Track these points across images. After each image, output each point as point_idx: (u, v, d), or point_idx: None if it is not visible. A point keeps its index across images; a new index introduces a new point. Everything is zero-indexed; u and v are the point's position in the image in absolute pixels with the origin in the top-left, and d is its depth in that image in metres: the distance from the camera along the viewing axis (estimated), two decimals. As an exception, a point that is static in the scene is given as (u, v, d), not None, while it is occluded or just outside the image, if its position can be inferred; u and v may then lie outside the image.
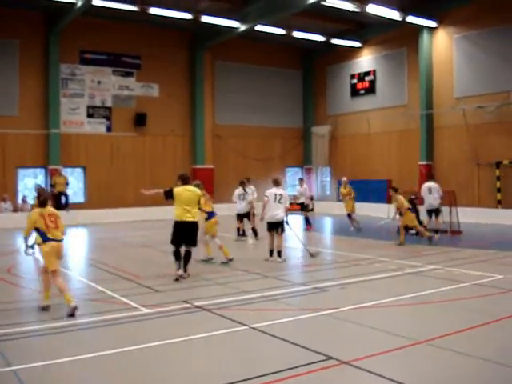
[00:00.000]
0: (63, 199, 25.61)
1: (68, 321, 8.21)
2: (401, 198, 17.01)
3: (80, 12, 23.79)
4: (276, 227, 13.74)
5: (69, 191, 26.12)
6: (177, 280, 11.10)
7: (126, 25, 27.56)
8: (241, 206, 18.49)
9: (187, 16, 25.67)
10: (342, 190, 21.94)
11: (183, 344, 7.07)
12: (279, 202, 13.75)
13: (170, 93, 29.58)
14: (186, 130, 30.15)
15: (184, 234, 11.35)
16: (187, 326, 7.97)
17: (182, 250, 11.43)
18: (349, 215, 21.36)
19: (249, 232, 18.62)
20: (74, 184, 27.51)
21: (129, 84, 28.57)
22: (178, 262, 11.32)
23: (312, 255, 14.32)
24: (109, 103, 28.10)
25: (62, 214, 24.11)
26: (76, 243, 19.19)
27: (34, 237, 9.53)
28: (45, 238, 8.91)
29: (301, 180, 22.10)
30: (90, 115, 27.59)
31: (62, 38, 26.30)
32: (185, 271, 11.39)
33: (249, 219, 18.65)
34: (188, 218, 11.32)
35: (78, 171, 27.81)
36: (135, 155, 28.52)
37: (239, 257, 14.36)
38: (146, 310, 8.73)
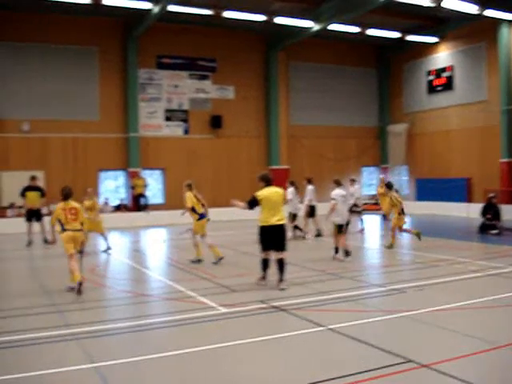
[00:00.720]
0: (142, 201, 26.34)
1: (147, 319, 8.44)
2: (393, 194, 16.33)
3: (156, 18, 24.36)
4: (342, 228, 13.92)
5: (148, 193, 26.83)
6: (263, 283, 10.68)
7: (201, 29, 28.00)
8: (300, 206, 18.83)
9: (261, 18, 25.85)
10: (379, 188, 20.46)
11: (260, 344, 7.12)
12: (344, 203, 14.06)
13: (245, 94, 29.85)
14: (261, 131, 30.35)
15: (274, 239, 10.46)
16: (264, 327, 8.03)
17: (272, 257, 10.66)
18: (384, 216, 19.85)
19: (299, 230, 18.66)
20: (154, 186, 28.18)
21: (205, 87, 29.03)
22: (264, 273, 10.71)
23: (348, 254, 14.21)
24: (186, 106, 28.67)
25: (142, 216, 24.71)
26: (155, 243, 19.66)
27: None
28: (63, 228, 10.73)
29: (352, 181, 20.99)
30: (167, 118, 28.25)
31: (139, 44, 27.05)
32: (281, 280, 10.47)
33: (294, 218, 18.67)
34: (277, 221, 10.44)
35: (157, 173, 28.49)
36: (212, 157, 28.95)
37: (315, 257, 14.34)
38: (223, 310, 8.84)
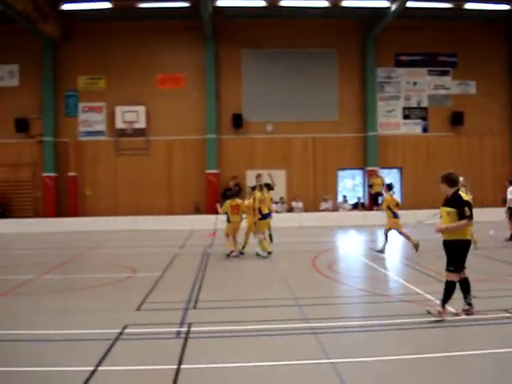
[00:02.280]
0: (380, 200, 26.32)
1: (383, 320, 8.43)
2: (387, 197, 15.62)
3: (394, 15, 24.17)
4: None
5: (385, 192, 26.76)
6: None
7: (440, 23, 27.12)
8: None
9: (504, 7, 24.28)
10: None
11: (492, 357, 6.66)
12: None
13: (488, 90, 28.20)
14: (505, 127, 28.50)
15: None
16: (508, 338, 7.54)
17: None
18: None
19: None
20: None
21: (445, 83, 28.12)
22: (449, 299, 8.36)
23: None
24: (424, 103, 28.04)
25: (377, 215, 24.53)
26: (392, 243, 19.52)
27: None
28: (228, 220, 15.23)
29: (510, 182, 18.19)
30: (405, 116, 27.92)
31: (377, 43, 27.08)
32: (470, 304, 8.56)
33: None
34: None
35: (394, 172, 28.28)
36: (451, 155, 27.88)
37: None
38: (463, 316, 8.43)
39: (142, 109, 26.92)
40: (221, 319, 8.44)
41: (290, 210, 26.81)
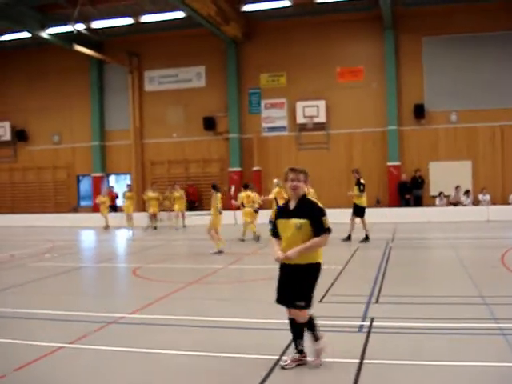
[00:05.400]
0: None
1: None
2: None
3: None
4: None
5: None
6: None
7: None
8: None
9: None
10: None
11: None
12: None
13: None
14: None
15: None
16: None
17: None
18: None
19: None
20: None
21: None
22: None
23: None
24: None
25: None
26: None
27: None
28: (243, 206, 18.62)
29: None
30: None
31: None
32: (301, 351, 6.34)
33: None
34: None
35: None
36: None
37: None
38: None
39: (321, 103, 27.23)
40: (404, 315, 8.32)
41: (477, 203, 25.59)
